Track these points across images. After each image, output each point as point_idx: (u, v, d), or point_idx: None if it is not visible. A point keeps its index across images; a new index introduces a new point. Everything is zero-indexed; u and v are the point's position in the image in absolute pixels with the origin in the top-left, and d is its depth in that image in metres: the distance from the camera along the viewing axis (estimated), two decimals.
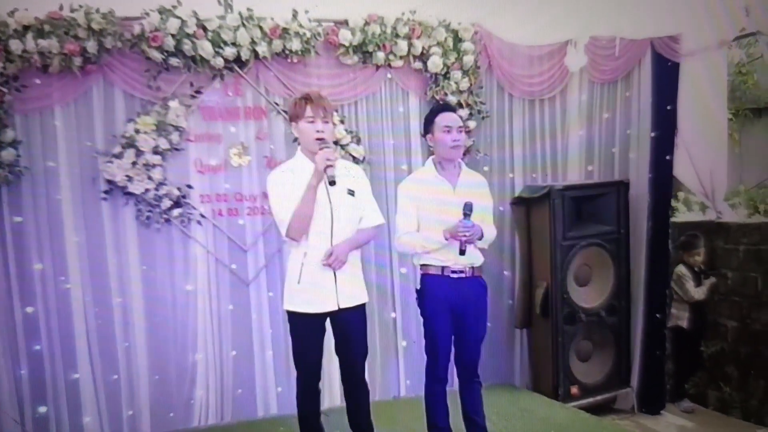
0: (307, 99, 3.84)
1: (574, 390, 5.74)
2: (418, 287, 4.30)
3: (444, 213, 4.09)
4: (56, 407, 4.84)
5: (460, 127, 4.21)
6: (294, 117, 3.90)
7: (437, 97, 5.42)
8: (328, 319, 3.95)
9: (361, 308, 4.00)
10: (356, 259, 4.02)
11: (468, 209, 3.97)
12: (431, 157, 4.35)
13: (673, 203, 6.24)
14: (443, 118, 4.19)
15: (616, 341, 5.99)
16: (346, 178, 3.91)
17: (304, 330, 3.94)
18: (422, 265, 4.26)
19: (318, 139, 3.78)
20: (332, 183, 3.72)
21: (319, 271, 3.82)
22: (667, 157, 5.98)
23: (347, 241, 3.87)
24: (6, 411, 4.69)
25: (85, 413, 4.91)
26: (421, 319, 4.32)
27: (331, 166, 3.70)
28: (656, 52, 5.94)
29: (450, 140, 4.15)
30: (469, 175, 4.33)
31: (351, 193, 3.91)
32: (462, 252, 4.02)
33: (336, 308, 3.87)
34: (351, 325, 3.96)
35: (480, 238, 4.13)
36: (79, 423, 4.90)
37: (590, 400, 5.83)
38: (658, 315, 6.05)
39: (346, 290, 3.90)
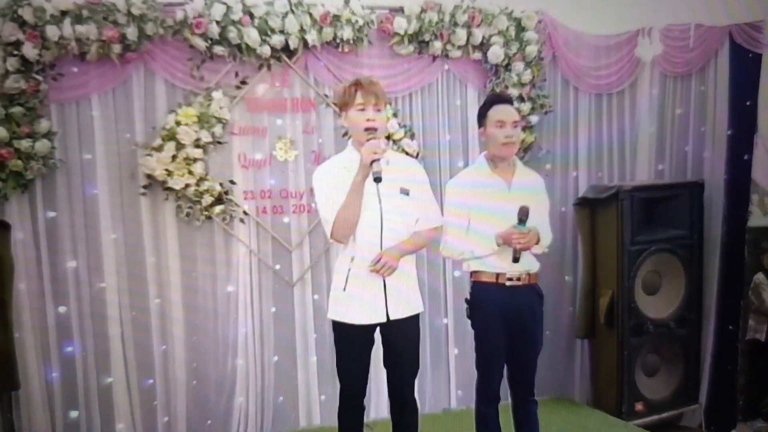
0: (357, 85, 3.49)
1: (639, 407, 5.37)
2: (468, 297, 3.93)
3: (497, 215, 3.72)
4: (88, 412, 4.69)
5: (515, 121, 3.80)
6: (343, 105, 3.55)
7: (497, 90, 5.07)
8: (377, 330, 3.59)
9: (414, 319, 3.63)
10: (411, 264, 3.63)
11: (523, 214, 3.60)
12: (483, 154, 3.97)
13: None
14: (496, 112, 3.80)
15: (685, 355, 5.60)
16: (401, 175, 3.55)
17: (350, 343, 3.59)
18: (474, 272, 3.88)
19: (368, 128, 3.43)
20: (377, 180, 3.33)
21: (367, 278, 3.46)
22: (745, 157, 5.56)
23: (399, 245, 3.49)
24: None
25: (119, 419, 4.75)
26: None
27: (377, 159, 3.33)
28: (735, 42, 5.54)
29: (502, 136, 3.76)
30: (524, 173, 3.94)
31: (405, 192, 3.53)
32: (516, 260, 3.67)
33: (385, 320, 3.50)
34: (402, 338, 3.59)
35: (536, 244, 3.77)
36: (111, 429, 4.74)
37: (655, 417, 5.45)
38: (731, 327, 5.66)
39: (398, 300, 3.52)
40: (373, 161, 3.32)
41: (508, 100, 4.01)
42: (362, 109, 3.45)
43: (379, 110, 3.48)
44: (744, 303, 5.71)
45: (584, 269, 5.53)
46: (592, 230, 5.46)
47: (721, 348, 5.70)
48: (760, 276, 5.70)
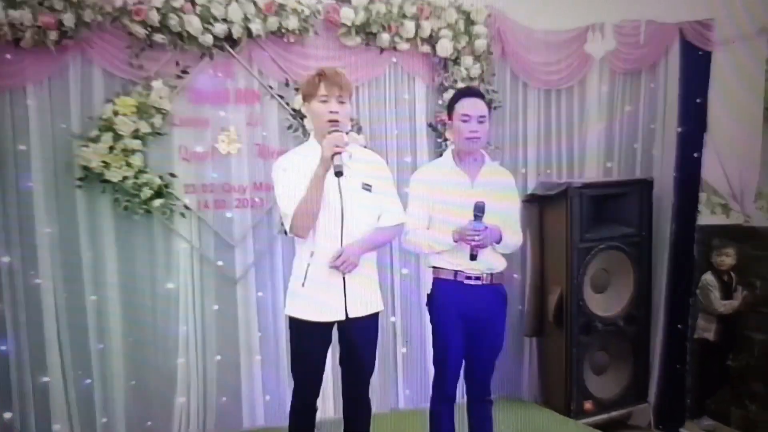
0: (321, 75, 3.38)
1: (588, 405, 5.33)
2: (429, 292, 3.87)
3: (458, 210, 3.63)
4: (23, 413, 4.55)
5: (481, 116, 3.71)
6: (306, 96, 3.45)
7: (446, 84, 5.04)
8: (335, 327, 3.50)
9: (373, 318, 3.54)
10: (371, 262, 3.55)
11: (479, 210, 3.52)
12: (451, 147, 3.91)
13: None
14: (462, 105, 3.73)
15: (634, 353, 5.59)
16: (363, 170, 3.47)
17: (306, 340, 3.48)
18: (434, 268, 3.82)
19: (330, 121, 3.33)
20: (338, 174, 3.22)
21: (327, 274, 3.37)
22: (695, 155, 5.56)
23: (360, 242, 3.41)
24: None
25: (55, 420, 4.60)
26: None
27: (338, 153, 3.23)
28: (685, 39, 5.52)
29: (466, 130, 3.69)
30: (492, 170, 3.86)
31: (367, 187, 3.45)
32: (473, 257, 3.59)
33: (344, 318, 3.42)
34: (360, 337, 3.50)
35: (498, 242, 3.69)
36: (48, 430, 4.59)
37: (604, 416, 5.42)
38: (679, 326, 5.66)
39: (357, 297, 3.44)
40: (334, 154, 3.22)
41: (478, 94, 3.89)
42: (325, 101, 3.36)
43: (342, 102, 3.39)
44: (693, 302, 5.72)
45: (533, 267, 5.48)
46: (541, 227, 5.43)
47: (670, 346, 5.70)
48: (707, 276, 5.74)
